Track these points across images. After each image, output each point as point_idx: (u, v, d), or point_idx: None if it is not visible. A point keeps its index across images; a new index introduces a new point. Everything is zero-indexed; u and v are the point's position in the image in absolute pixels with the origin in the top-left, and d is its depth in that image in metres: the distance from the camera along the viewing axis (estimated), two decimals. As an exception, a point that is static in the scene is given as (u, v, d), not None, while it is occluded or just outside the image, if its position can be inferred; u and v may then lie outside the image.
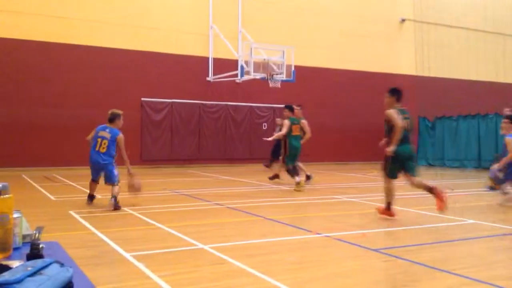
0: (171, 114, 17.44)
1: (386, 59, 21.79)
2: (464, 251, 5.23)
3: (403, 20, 22.31)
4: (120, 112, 8.19)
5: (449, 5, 23.62)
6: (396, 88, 7.05)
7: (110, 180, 7.84)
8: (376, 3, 21.74)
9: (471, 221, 6.93)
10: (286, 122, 10.83)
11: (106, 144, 7.87)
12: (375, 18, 21.54)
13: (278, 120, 15.10)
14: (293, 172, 10.55)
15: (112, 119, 8.09)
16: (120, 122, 8.15)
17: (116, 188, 7.71)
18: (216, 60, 17.95)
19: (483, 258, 4.88)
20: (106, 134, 7.94)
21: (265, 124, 19.17)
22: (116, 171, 7.90)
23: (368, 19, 21.32)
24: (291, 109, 11.09)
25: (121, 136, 7.97)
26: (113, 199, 7.57)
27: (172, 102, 17.50)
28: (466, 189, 11.42)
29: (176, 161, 17.42)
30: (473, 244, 5.58)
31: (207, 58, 18.03)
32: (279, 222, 6.75)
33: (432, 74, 22.66)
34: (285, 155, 10.96)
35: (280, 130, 11.58)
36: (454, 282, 4.06)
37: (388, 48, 21.94)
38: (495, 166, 8.81)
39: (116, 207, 7.51)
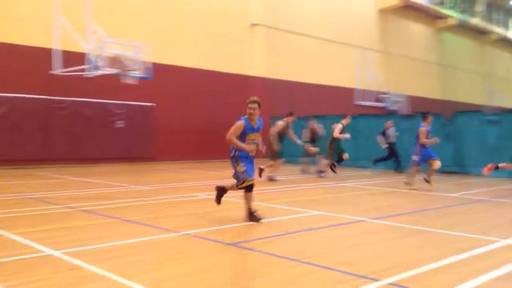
0: (12, 110, 15.93)
1: (239, 60, 22.54)
2: (312, 241, 5.71)
3: (254, 25, 23.24)
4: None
5: (298, 14, 25.30)
6: None
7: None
8: (230, 5, 22.36)
9: (318, 212, 7.58)
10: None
11: None
12: (229, 20, 22.16)
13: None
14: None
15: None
16: None
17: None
18: (64, 53, 16.47)
19: (325, 247, 5.39)
20: None
21: (122, 122, 18.38)
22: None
23: (223, 20, 21.86)
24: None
25: None
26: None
27: (13, 97, 15.97)
28: (312, 183, 12.41)
29: (19, 162, 15.91)
30: (319, 234, 6.11)
31: (51, 50, 16.52)
32: (136, 222, 6.62)
33: (280, 77, 24.06)
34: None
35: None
36: (303, 269, 4.42)
37: (240, 50, 22.70)
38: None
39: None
